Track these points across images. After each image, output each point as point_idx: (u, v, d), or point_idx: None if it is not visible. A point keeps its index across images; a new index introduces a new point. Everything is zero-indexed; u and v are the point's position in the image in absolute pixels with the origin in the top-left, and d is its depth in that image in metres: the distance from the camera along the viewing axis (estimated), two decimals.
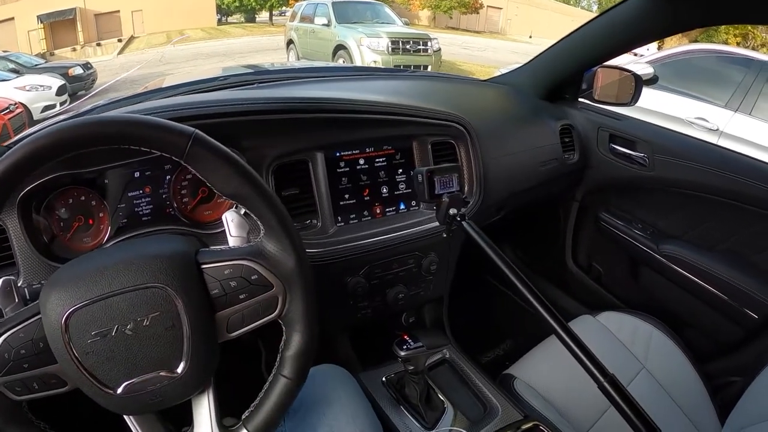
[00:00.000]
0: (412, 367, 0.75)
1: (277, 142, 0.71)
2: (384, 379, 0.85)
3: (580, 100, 1.22)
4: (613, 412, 0.51)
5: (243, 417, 0.49)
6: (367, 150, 0.81)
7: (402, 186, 0.85)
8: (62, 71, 6.64)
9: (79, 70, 7.02)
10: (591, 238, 1.31)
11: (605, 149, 1.15)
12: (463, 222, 0.67)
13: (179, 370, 0.43)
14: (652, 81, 3.03)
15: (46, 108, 5.36)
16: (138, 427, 0.47)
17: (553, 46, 1.13)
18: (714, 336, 1.07)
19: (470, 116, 0.89)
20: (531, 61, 1.20)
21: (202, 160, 0.43)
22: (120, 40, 14.19)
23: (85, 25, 14.74)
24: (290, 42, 8.30)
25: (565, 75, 1.14)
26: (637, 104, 1.11)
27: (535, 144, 1.06)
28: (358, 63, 6.30)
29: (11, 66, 7.15)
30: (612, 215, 1.22)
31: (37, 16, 13.56)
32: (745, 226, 1.00)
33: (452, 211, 0.69)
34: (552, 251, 1.39)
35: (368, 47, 6.33)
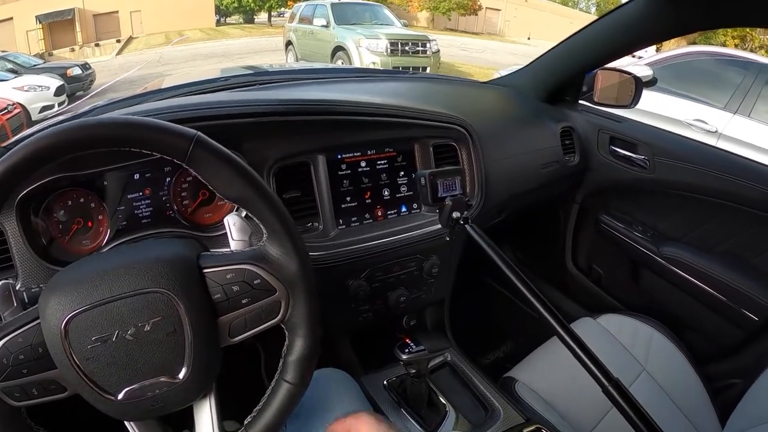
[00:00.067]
0: (414, 371, 0.74)
1: (279, 144, 0.71)
2: (385, 382, 0.84)
3: (580, 102, 1.22)
4: (614, 414, 0.51)
5: (245, 422, 0.48)
6: (369, 152, 0.81)
7: (403, 189, 0.85)
8: (61, 72, 6.64)
9: (77, 71, 7.01)
10: (591, 240, 1.31)
11: (605, 152, 1.15)
12: (466, 225, 0.67)
13: (181, 375, 0.42)
14: (650, 83, 3.04)
15: (45, 108, 5.36)
16: None
17: (553, 48, 1.13)
18: (714, 338, 1.07)
19: (471, 118, 0.89)
20: (531, 63, 1.20)
21: (204, 163, 0.42)
22: (118, 41, 14.19)
23: (84, 25, 14.74)
24: (289, 43, 8.31)
25: (565, 77, 1.14)
26: (636, 106, 1.11)
27: (536, 146, 1.06)
28: (356, 64, 6.30)
29: (9, 66, 7.14)
30: (612, 217, 1.23)
31: (36, 17, 13.55)
32: (745, 228, 1.01)
33: (455, 214, 0.69)
34: (552, 253, 1.39)
35: (367, 48, 6.34)
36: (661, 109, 2.96)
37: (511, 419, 0.78)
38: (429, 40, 6.82)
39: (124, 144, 0.40)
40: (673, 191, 1.08)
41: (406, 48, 6.53)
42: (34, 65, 7.65)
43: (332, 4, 7.28)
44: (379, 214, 0.83)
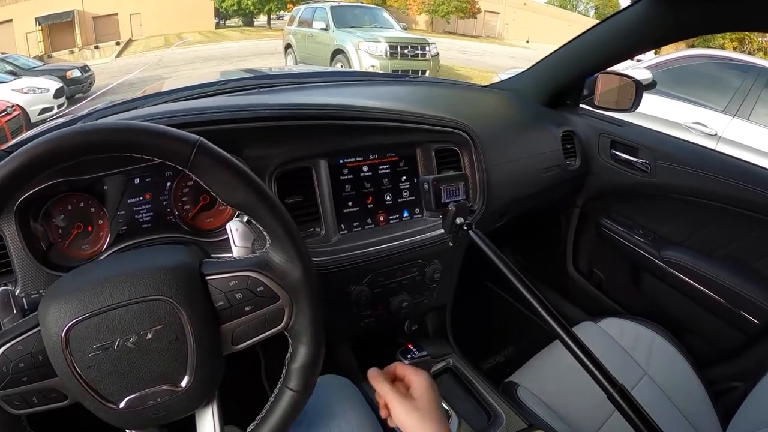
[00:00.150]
0: None
1: (281, 149, 0.70)
2: None
3: (581, 106, 1.22)
4: (616, 419, 0.51)
5: (248, 430, 0.48)
6: (371, 157, 0.80)
7: (405, 194, 0.84)
8: (60, 74, 6.63)
9: (77, 73, 7.00)
10: (592, 244, 1.31)
11: (606, 156, 1.15)
12: (470, 231, 0.67)
13: (183, 383, 0.42)
14: (650, 86, 3.05)
15: (44, 111, 5.36)
16: None
17: (554, 52, 1.13)
18: (715, 342, 1.07)
19: (473, 123, 0.89)
20: (532, 67, 1.21)
21: (206, 169, 0.42)
22: (118, 43, 14.20)
23: (83, 27, 14.76)
24: (288, 46, 8.32)
25: (566, 81, 1.15)
26: (637, 109, 1.12)
27: (537, 150, 1.06)
28: (356, 67, 6.31)
29: (9, 68, 7.13)
30: (613, 221, 1.23)
31: (35, 18, 13.57)
32: (746, 232, 1.01)
33: (459, 220, 0.68)
34: (553, 257, 1.39)
35: (366, 52, 6.35)
36: (660, 113, 2.96)
37: (513, 424, 0.77)
38: (428, 43, 6.84)
39: (126, 150, 0.40)
40: (674, 195, 1.08)
41: (406, 51, 6.54)
42: (34, 67, 7.65)
43: (332, 7, 7.30)
44: (381, 219, 0.82)
